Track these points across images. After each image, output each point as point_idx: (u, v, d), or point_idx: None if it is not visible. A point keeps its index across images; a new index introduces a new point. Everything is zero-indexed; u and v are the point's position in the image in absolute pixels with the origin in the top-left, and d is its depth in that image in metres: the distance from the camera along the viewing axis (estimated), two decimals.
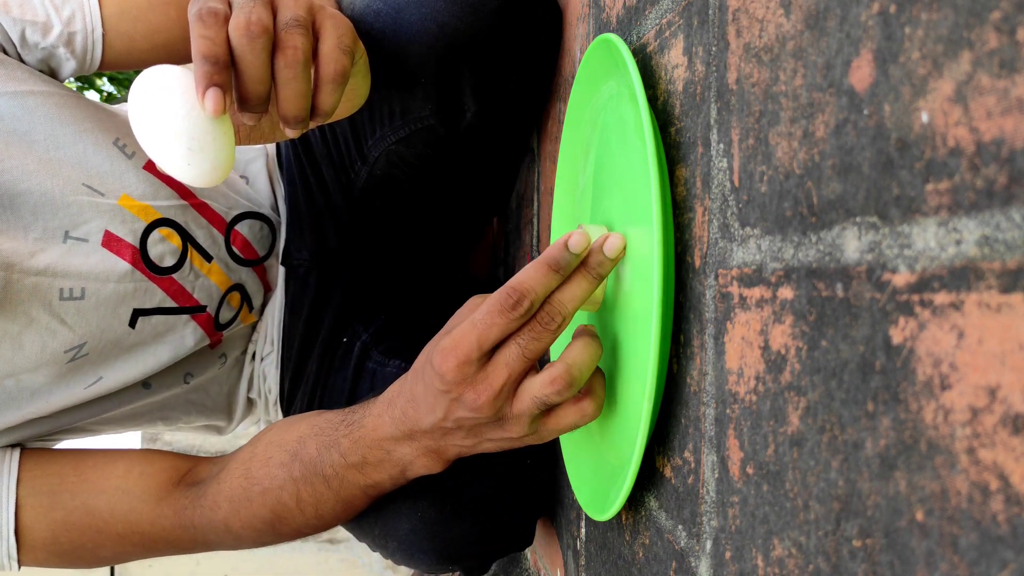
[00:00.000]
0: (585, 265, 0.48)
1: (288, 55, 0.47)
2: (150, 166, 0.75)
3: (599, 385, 0.51)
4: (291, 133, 0.50)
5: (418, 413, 0.53)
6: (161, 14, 0.72)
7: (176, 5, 0.72)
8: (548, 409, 0.50)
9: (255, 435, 0.69)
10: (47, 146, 0.68)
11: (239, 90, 0.47)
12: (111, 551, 0.70)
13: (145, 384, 0.79)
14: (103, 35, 0.70)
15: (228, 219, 0.80)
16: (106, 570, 2.04)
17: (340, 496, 0.62)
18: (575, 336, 0.50)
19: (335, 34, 0.50)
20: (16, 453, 0.69)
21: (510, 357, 0.48)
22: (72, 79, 5.30)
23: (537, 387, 0.48)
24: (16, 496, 0.67)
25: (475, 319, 0.48)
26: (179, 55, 0.75)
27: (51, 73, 0.72)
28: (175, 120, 0.47)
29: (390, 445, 0.57)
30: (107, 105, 0.77)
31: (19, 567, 0.68)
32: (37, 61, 0.71)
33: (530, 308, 0.47)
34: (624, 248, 0.49)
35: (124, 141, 0.73)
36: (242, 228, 0.82)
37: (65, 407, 0.72)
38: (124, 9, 0.71)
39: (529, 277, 0.47)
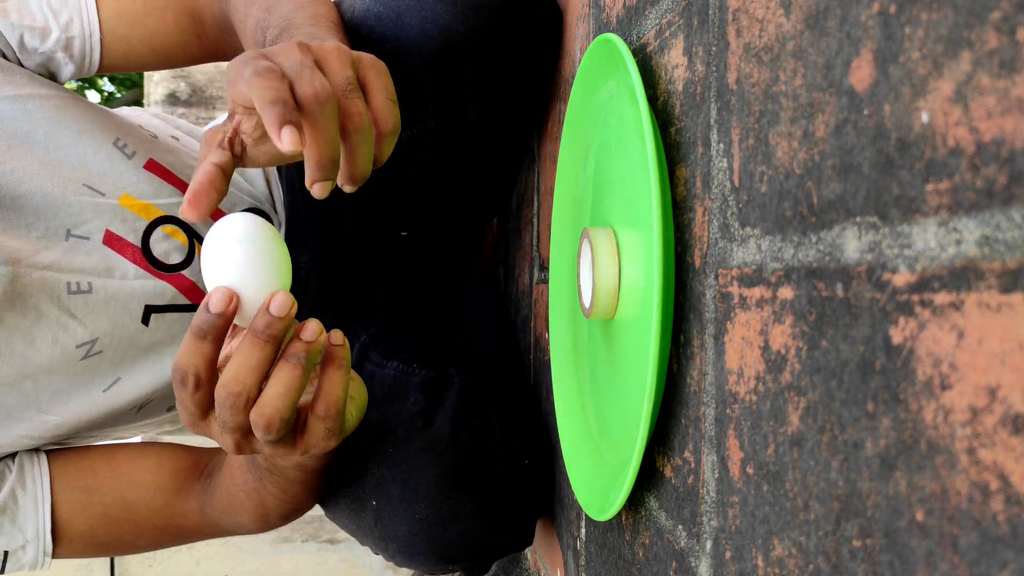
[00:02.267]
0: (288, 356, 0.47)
1: (355, 122, 0.48)
2: (151, 166, 0.75)
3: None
4: (350, 189, 0.51)
5: None
6: (158, 19, 0.72)
7: (172, 10, 0.72)
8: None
9: None
10: (47, 147, 0.69)
11: (316, 156, 0.47)
12: (148, 541, 0.74)
13: (169, 408, 0.80)
14: (101, 40, 0.71)
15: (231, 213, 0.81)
16: (106, 568, 2.04)
17: (290, 480, 0.67)
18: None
19: (382, 86, 0.51)
20: (43, 455, 0.71)
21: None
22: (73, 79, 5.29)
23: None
24: (51, 495, 0.70)
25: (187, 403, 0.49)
26: (175, 60, 0.75)
27: (51, 76, 0.73)
28: (242, 269, 0.48)
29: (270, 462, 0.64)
30: (107, 109, 0.77)
31: (51, 562, 0.72)
32: (36, 65, 0.71)
33: (196, 380, 0.47)
34: (289, 305, 0.47)
35: (124, 141, 0.74)
36: None
37: (89, 415, 0.72)
38: (121, 13, 0.71)
39: (182, 354, 0.47)
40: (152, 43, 0.73)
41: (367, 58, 0.51)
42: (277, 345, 0.47)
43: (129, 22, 0.72)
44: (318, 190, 0.48)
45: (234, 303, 0.46)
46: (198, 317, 0.46)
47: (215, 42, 0.76)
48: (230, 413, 0.47)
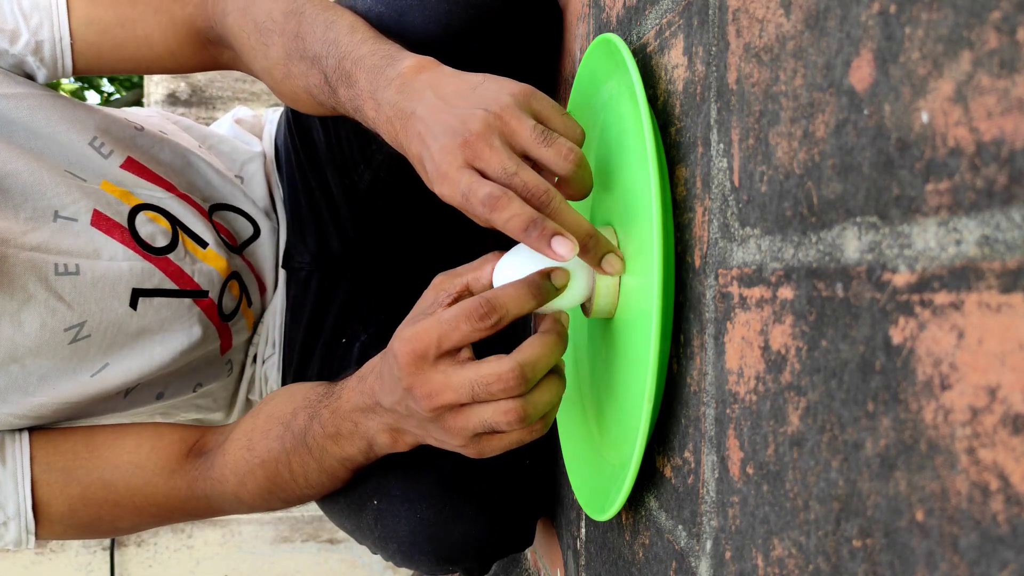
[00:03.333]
0: (557, 332, 0.50)
1: (568, 164, 0.50)
2: (129, 164, 0.75)
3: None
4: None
5: (381, 390, 0.56)
6: (128, 31, 0.72)
7: (143, 23, 0.72)
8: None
9: (258, 404, 0.71)
10: (27, 136, 0.69)
11: (579, 239, 0.50)
12: (129, 522, 0.73)
13: (159, 396, 0.80)
14: (72, 44, 0.70)
15: (206, 208, 0.81)
16: (106, 568, 2.05)
17: (323, 467, 0.65)
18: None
19: (556, 114, 0.52)
20: (25, 434, 0.71)
21: (461, 388, 0.49)
22: (72, 79, 5.29)
23: (489, 413, 0.50)
24: (31, 474, 0.69)
25: (442, 317, 0.50)
26: (148, 69, 0.75)
27: (27, 77, 0.73)
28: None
29: (357, 417, 0.60)
30: (88, 104, 0.77)
31: (35, 541, 0.71)
32: (10, 66, 0.71)
33: (497, 323, 0.49)
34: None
35: (102, 140, 0.74)
36: (219, 218, 0.83)
37: (75, 398, 0.72)
38: (91, 20, 0.71)
39: (506, 294, 0.48)
40: (121, 53, 0.73)
41: (524, 93, 0.52)
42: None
43: (99, 30, 0.71)
44: (609, 267, 0.51)
45: (567, 282, 0.50)
46: (540, 280, 0.49)
47: (197, 57, 0.75)
48: (516, 390, 0.49)
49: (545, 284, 0.49)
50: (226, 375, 0.86)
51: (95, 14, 0.71)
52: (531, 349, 0.49)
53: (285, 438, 0.65)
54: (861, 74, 0.28)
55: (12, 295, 0.65)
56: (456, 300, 0.52)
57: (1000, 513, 0.21)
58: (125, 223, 0.72)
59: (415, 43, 0.71)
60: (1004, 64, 0.21)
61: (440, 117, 0.51)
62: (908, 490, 0.25)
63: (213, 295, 0.78)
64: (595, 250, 0.50)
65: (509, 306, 0.48)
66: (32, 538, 0.70)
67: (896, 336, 0.26)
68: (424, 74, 0.55)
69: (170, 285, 0.74)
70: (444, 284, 0.54)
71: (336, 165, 0.88)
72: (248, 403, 0.91)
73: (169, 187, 0.77)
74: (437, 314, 0.50)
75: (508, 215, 0.47)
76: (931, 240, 0.24)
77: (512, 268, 0.51)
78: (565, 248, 0.48)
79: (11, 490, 0.69)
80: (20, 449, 0.70)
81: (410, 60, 0.57)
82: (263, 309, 0.88)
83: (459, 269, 0.54)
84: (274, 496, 0.69)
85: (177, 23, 0.73)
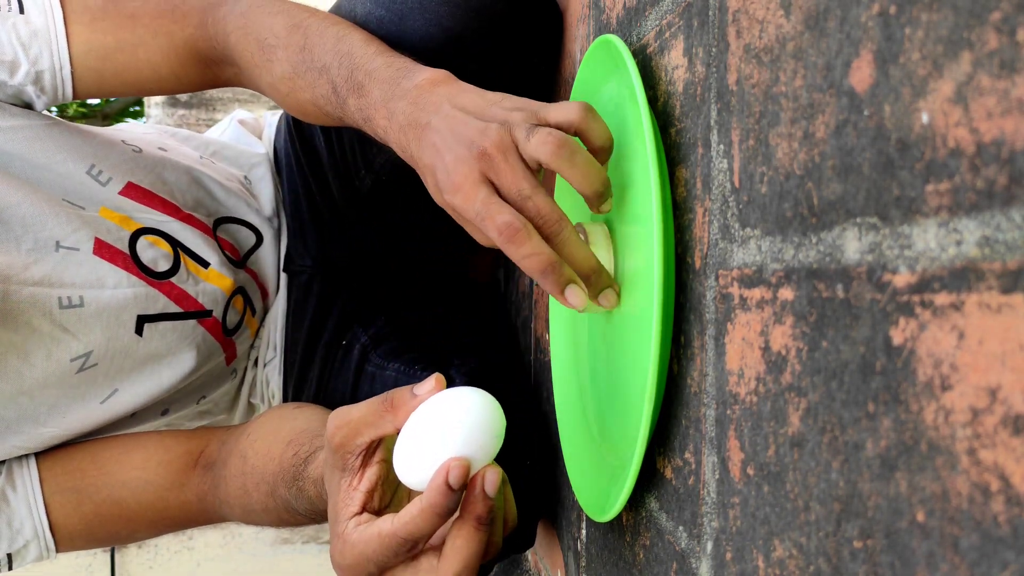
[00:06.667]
0: (476, 517, 0.45)
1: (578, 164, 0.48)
2: (128, 190, 0.74)
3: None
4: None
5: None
6: (129, 55, 0.71)
7: (145, 47, 0.71)
8: None
9: (247, 439, 0.69)
10: (23, 166, 0.69)
11: (581, 273, 0.49)
12: (146, 533, 0.74)
13: (164, 412, 0.80)
14: (72, 72, 0.70)
15: (211, 224, 0.81)
16: (106, 569, 2.05)
17: (319, 519, 0.64)
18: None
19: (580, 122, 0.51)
20: (31, 458, 0.71)
21: None
22: None
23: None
24: (43, 496, 0.70)
25: (371, 558, 0.47)
26: (150, 91, 0.75)
27: (26, 106, 0.72)
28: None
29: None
30: (86, 128, 0.76)
31: (57, 553, 0.72)
32: (9, 96, 0.70)
33: (423, 545, 0.47)
34: (500, 482, 0.46)
35: (100, 168, 0.73)
36: (223, 233, 0.82)
37: (86, 427, 0.72)
38: (92, 48, 0.70)
39: (418, 527, 0.45)
40: (123, 77, 0.72)
41: (554, 115, 0.50)
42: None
43: (100, 56, 0.70)
44: (606, 302, 0.50)
45: (468, 477, 0.45)
46: (442, 497, 0.44)
47: (199, 77, 0.74)
48: None
49: (452, 498, 0.45)
50: (230, 382, 0.86)
51: (95, 40, 0.70)
52: (418, 525, 0.45)
53: (274, 499, 0.64)
54: (861, 75, 0.28)
55: (17, 329, 0.65)
56: (364, 453, 0.49)
57: (1001, 514, 0.21)
58: (126, 249, 0.72)
59: (415, 46, 0.71)
60: (1004, 65, 0.21)
61: (456, 128, 0.50)
62: (909, 491, 0.25)
63: (217, 313, 0.78)
64: (597, 284, 0.50)
65: (427, 532, 0.46)
66: (54, 552, 0.71)
67: (896, 337, 0.26)
68: (441, 87, 0.54)
69: (174, 308, 0.74)
70: (346, 444, 0.49)
71: (337, 169, 0.88)
72: (249, 406, 0.91)
73: (172, 210, 0.77)
74: (365, 553, 0.47)
75: (527, 252, 0.46)
76: (931, 241, 0.24)
77: (411, 454, 0.46)
78: (578, 299, 0.48)
79: (25, 514, 0.70)
80: (28, 474, 0.71)
81: (427, 73, 0.56)
82: (265, 313, 0.88)
83: (356, 422, 0.49)
84: (280, 525, 0.69)
85: (178, 45, 0.72)
